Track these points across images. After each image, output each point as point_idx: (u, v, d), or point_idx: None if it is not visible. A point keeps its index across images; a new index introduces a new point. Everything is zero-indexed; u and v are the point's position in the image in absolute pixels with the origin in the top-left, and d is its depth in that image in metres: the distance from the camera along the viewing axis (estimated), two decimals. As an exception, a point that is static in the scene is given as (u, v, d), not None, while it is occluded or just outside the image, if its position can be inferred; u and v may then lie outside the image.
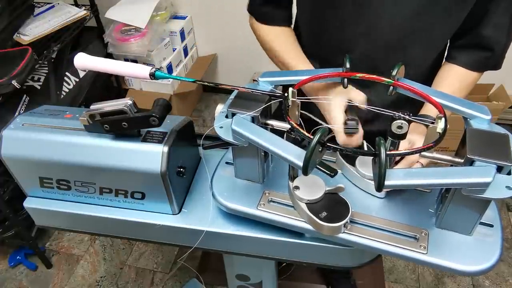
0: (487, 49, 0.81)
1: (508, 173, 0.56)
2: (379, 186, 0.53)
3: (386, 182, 0.53)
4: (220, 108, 0.69)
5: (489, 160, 0.56)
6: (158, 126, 0.67)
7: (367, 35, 0.81)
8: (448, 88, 0.81)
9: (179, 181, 0.76)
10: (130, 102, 0.67)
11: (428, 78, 0.88)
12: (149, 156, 0.69)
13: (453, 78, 0.84)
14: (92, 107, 0.69)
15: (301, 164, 0.55)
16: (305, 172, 0.55)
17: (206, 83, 0.71)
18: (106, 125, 0.69)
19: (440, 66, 0.90)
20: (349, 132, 0.68)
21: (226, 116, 0.67)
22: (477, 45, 0.82)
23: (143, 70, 0.69)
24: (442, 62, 0.90)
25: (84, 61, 0.72)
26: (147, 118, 0.66)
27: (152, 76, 0.68)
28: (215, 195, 0.73)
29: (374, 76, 0.67)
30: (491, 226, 0.67)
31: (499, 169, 0.56)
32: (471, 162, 0.57)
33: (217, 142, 0.71)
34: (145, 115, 0.66)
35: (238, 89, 0.69)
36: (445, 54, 0.89)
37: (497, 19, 0.77)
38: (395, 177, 0.55)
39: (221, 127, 0.66)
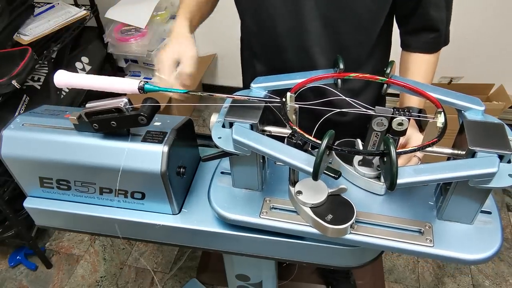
0: (434, 29, 0.87)
1: (508, 162, 0.58)
2: (392, 185, 0.53)
3: (398, 181, 0.53)
4: (215, 118, 0.67)
5: (491, 150, 0.57)
6: (146, 125, 0.66)
7: (297, 28, 0.83)
8: (416, 76, 0.87)
9: (179, 181, 0.76)
10: (125, 100, 0.66)
11: (368, 61, 0.92)
12: (149, 156, 0.69)
13: (416, 66, 0.91)
14: (87, 105, 0.68)
15: (311, 169, 0.55)
16: (316, 178, 0.54)
17: (199, 93, 0.69)
18: (95, 124, 0.69)
19: (382, 48, 0.94)
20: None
21: (223, 126, 0.66)
22: (424, 27, 0.87)
23: (131, 85, 0.66)
24: (401, 52, 0.94)
25: (65, 78, 0.69)
26: (136, 117, 0.65)
27: (141, 90, 0.66)
28: (214, 207, 0.72)
29: (367, 75, 0.68)
30: (490, 213, 0.69)
31: (500, 158, 0.57)
32: (473, 154, 0.58)
33: (216, 153, 0.69)
34: (134, 115, 0.66)
35: (233, 97, 0.67)
36: (400, 42, 0.94)
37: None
38: (406, 175, 0.55)
39: (220, 138, 0.64)
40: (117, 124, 0.67)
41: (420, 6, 0.83)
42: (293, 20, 0.83)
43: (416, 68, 0.90)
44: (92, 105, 0.68)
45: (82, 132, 0.73)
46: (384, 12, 0.83)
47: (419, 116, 0.77)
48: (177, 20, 0.85)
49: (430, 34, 0.87)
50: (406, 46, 0.92)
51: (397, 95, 0.92)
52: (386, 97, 1.05)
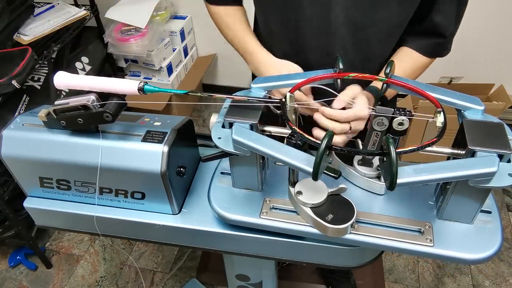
0: (439, 35, 0.85)
1: (508, 161, 0.58)
2: (392, 185, 0.53)
3: (398, 181, 0.53)
4: (214, 118, 0.68)
5: (490, 149, 0.57)
6: (112, 122, 0.67)
7: (323, 31, 0.82)
8: (401, 71, 0.85)
9: (179, 181, 0.76)
10: (93, 97, 0.67)
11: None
12: (149, 156, 0.69)
13: (407, 61, 0.88)
14: (56, 102, 0.69)
15: (311, 169, 0.55)
16: (315, 178, 0.54)
17: (199, 94, 0.68)
18: (62, 121, 0.69)
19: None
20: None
21: (223, 126, 0.66)
22: (430, 32, 0.86)
23: (130, 86, 0.66)
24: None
25: (64, 79, 0.69)
26: (101, 114, 0.66)
27: (141, 90, 0.66)
28: (214, 207, 0.72)
29: (367, 75, 0.67)
30: (490, 212, 0.69)
31: (500, 158, 0.57)
32: (472, 153, 0.58)
33: (216, 153, 0.69)
34: (99, 112, 0.66)
35: (232, 98, 0.67)
36: (399, 39, 0.92)
37: (446, 7, 0.81)
38: (406, 175, 0.55)
39: (220, 138, 0.64)
40: (83, 121, 0.68)
41: (433, 11, 0.82)
42: (321, 23, 0.81)
43: (405, 63, 0.88)
44: (60, 102, 0.68)
45: (83, 132, 0.73)
46: (409, 17, 0.82)
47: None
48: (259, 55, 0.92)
49: (434, 39, 0.86)
50: (405, 43, 0.90)
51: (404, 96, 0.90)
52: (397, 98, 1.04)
